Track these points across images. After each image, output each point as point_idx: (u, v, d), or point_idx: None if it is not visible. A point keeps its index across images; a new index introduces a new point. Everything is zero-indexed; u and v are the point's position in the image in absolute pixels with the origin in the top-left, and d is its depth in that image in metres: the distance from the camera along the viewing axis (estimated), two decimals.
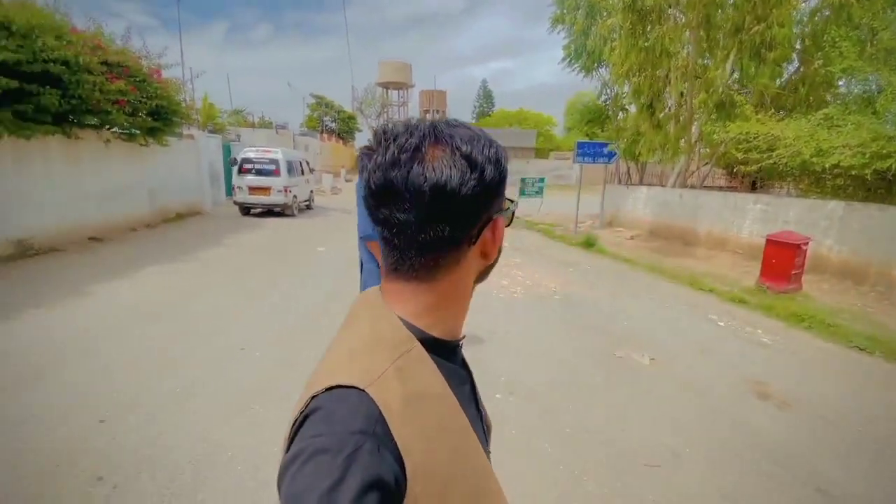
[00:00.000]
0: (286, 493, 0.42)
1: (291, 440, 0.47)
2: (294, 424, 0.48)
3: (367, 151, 0.55)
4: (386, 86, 46.83)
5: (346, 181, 20.77)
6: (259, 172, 10.57)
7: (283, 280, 5.47)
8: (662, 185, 10.81)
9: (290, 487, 0.42)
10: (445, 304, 0.59)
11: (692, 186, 9.94)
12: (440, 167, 0.51)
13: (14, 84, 4.88)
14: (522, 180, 13.59)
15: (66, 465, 2.18)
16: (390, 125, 0.56)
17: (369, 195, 0.55)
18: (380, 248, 2.33)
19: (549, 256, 7.52)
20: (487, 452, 0.64)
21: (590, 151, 10.27)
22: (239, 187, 10.60)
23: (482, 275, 0.63)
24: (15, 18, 4.87)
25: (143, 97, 7.25)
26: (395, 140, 0.53)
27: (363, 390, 0.48)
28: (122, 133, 7.69)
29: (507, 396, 2.95)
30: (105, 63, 6.50)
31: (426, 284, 0.57)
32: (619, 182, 12.50)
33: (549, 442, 2.50)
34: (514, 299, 5.09)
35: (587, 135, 18.59)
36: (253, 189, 10.53)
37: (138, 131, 7.87)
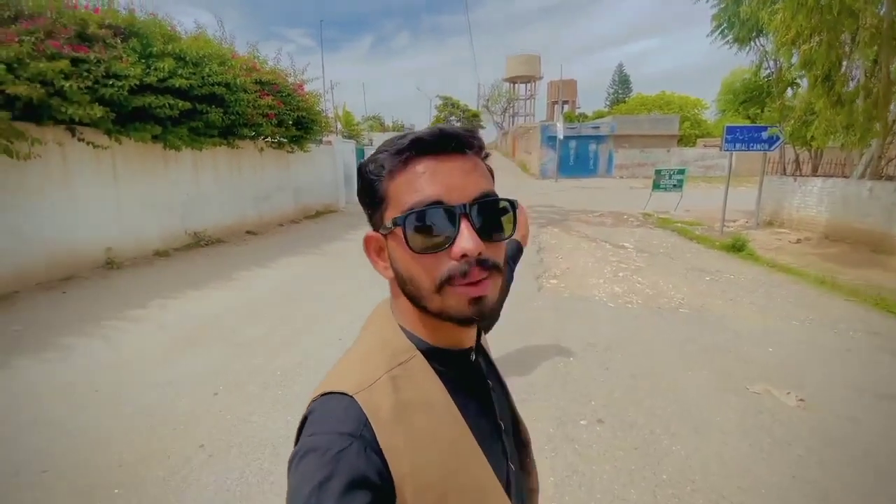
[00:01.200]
0: (289, 486, 0.47)
1: (297, 439, 0.51)
2: (299, 424, 0.53)
3: None
4: (513, 80, 46.44)
5: None
6: None
7: None
8: (845, 177, 8.64)
9: (291, 480, 0.47)
10: (407, 315, 0.58)
11: (889, 178, 7.74)
12: None
13: (188, 105, 5.94)
14: (657, 172, 12.14)
15: (182, 431, 2.53)
16: None
17: None
18: None
19: (682, 261, 6.55)
20: (510, 468, 0.62)
21: (743, 137, 8.69)
22: None
23: (417, 303, 0.56)
24: (188, 51, 5.91)
25: (288, 110, 8.26)
26: None
27: (352, 396, 0.50)
28: (272, 142, 8.89)
29: (594, 424, 2.59)
30: (258, 82, 7.56)
31: None
32: (784, 173, 10.36)
33: (637, 491, 2.10)
34: (628, 309, 4.52)
35: (748, 117, 15.82)
36: None
37: (285, 140, 9.02)
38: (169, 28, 6.15)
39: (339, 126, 17.59)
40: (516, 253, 1.11)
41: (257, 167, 8.69)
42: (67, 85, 4.58)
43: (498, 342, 3.63)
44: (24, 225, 4.79)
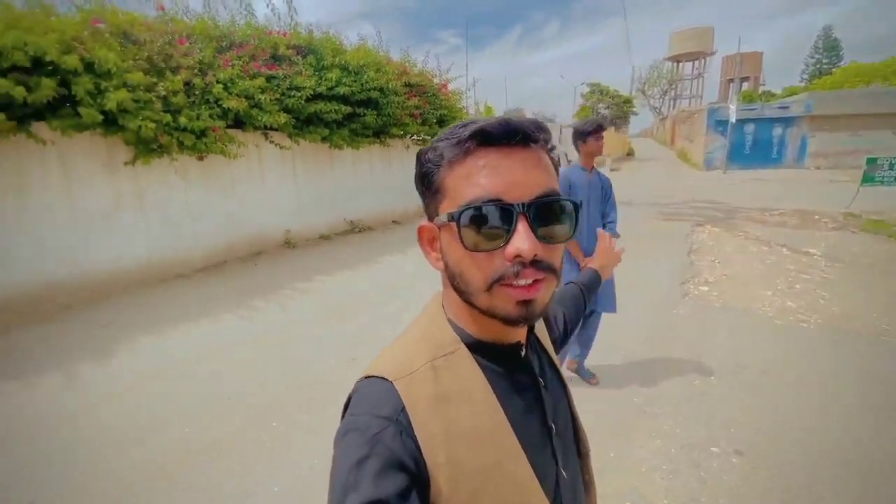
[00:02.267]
0: (333, 459, 0.50)
1: (343, 416, 0.54)
2: (345, 403, 0.56)
3: None
4: (677, 59, 41.39)
5: (612, 170, 19.64)
6: None
7: None
8: None
9: (334, 458, 0.50)
10: (455, 307, 0.58)
11: None
12: None
13: (349, 109, 6.78)
14: (870, 161, 9.58)
15: (332, 379, 2.98)
16: None
17: None
18: (577, 245, 2.21)
19: (892, 275, 5.16)
20: (561, 474, 0.61)
21: None
22: None
23: (461, 294, 0.56)
24: (351, 61, 6.73)
25: (432, 109, 8.79)
26: None
27: (391, 382, 0.52)
28: (417, 139, 9.60)
29: (730, 455, 2.25)
30: (407, 84, 8.21)
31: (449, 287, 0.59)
32: None
33: None
34: (800, 330, 3.76)
35: None
36: None
37: (428, 137, 9.63)
38: (337, 42, 7.06)
39: None
40: (593, 283, 1.03)
41: (405, 163, 9.47)
42: (263, 98, 5.64)
43: (623, 345, 3.39)
44: (235, 210, 6.10)
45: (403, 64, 8.37)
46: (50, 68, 3.89)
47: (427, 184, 0.54)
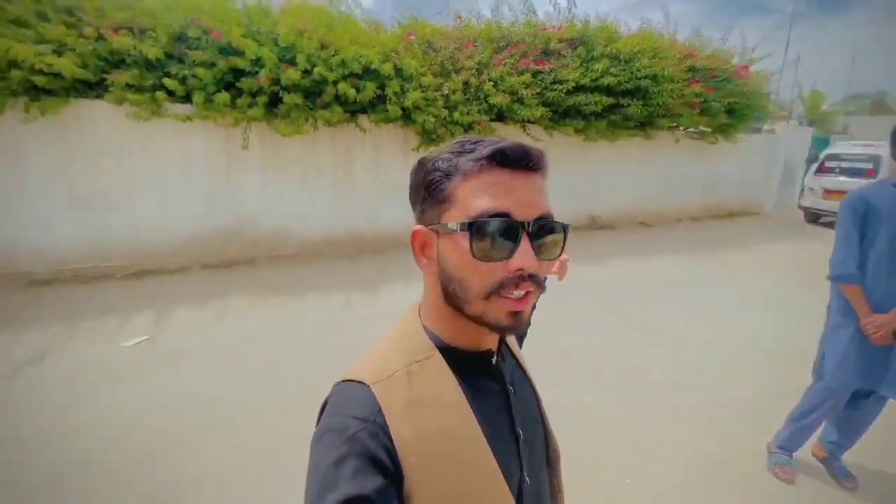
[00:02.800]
0: (308, 464, 0.52)
1: (318, 420, 0.57)
2: (320, 407, 0.59)
3: None
4: None
5: None
6: (846, 172, 8.38)
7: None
8: None
9: (310, 460, 0.52)
10: (430, 310, 0.62)
11: None
12: None
13: (609, 101, 6.47)
14: None
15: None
16: None
17: None
18: (861, 295, 1.92)
19: None
20: (525, 480, 0.63)
21: None
22: (811, 189, 8.90)
23: (450, 300, 0.58)
24: (623, 49, 6.34)
25: (719, 96, 7.44)
26: None
27: (368, 386, 0.55)
28: (692, 132, 8.34)
29: None
30: (691, 69, 7.17)
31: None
32: None
33: None
34: None
35: None
36: (829, 192, 8.54)
37: (708, 130, 8.24)
38: (613, 30, 6.74)
39: (802, 109, 14.09)
40: None
41: (668, 158, 8.44)
42: (526, 93, 6.00)
43: None
44: None
45: (691, 47, 7.33)
46: (373, 74, 5.19)
47: (432, 191, 0.56)
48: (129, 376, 3.05)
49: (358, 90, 5.09)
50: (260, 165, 5.38)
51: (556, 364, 3.33)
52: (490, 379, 0.63)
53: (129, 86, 4.41)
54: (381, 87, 5.27)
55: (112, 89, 4.37)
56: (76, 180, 4.64)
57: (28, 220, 4.51)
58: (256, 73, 4.72)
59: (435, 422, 0.55)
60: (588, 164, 7.65)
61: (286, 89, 4.85)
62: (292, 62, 4.88)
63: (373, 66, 5.09)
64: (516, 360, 0.73)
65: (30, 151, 4.38)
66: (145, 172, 4.91)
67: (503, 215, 0.52)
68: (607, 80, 6.30)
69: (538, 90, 6.16)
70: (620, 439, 2.54)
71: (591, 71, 6.32)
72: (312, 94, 5.08)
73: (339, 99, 5.16)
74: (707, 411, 2.79)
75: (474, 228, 0.52)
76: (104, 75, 4.33)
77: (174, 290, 4.57)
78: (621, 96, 6.64)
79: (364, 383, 0.55)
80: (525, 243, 0.53)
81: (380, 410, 0.53)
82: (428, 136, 5.81)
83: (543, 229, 0.55)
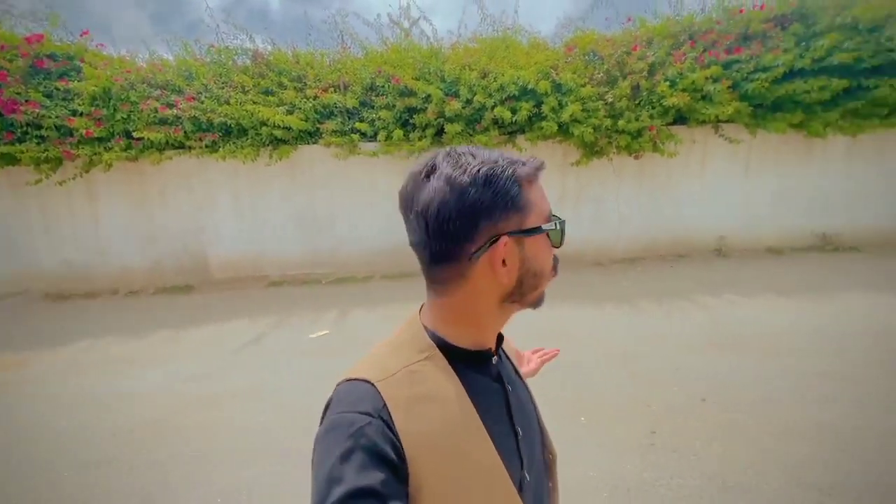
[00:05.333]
0: (314, 459, 0.54)
1: (322, 418, 0.59)
2: (324, 407, 0.60)
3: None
4: None
5: None
6: None
7: None
8: None
9: (316, 454, 0.53)
10: (462, 317, 0.63)
11: None
12: (428, 191, 0.57)
13: (844, 84, 4.96)
14: None
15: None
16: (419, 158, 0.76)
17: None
18: None
19: None
20: (524, 477, 0.64)
21: None
22: None
23: (513, 297, 0.63)
24: (862, 16, 4.79)
25: None
26: (411, 171, 0.62)
27: (373, 384, 0.57)
28: None
29: None
30: None
31: (443, 298, 0.63)
32: None
33: None
34: None
35: None
36: None
37: None
38: None
39: None
40: None
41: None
42: (713, 88, 5.12)
43: None
44: (663, 209, 6.05)
45: None
46: (530, 93, 5.23)
47: (513, 200, 0.58)
48: (311, 357, 3.78)
49: (514, 112, 5.20)
50: None
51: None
52: (489, 378, 0.66)
53: (334, 132, 5.53)
54: (538, 105, 5.26)
55: (324, 135, 5.56)
56: (300, 206, 6.02)
57: (268, 236, 6.06)
58: (426, 109, 5.32)
59: (438, 417, 0.56)
60: (814, 167, 5.97)
61: (449, 120, 5.32)
62: (456, 95, 5.33)
63: (529, 87, 5.15)
64: (511, 363, 0.75)
65: (271, 186, 5.92)
66: (344, 199, 6.03)
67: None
68: (839, 58, 4.86)
69: (731, 83, 5.17)
70: None
71: (813, 50, 4.98)
72: (473, 121, 5.42)
73: (496, 123, 5.38)
74: None
75: (560, 224, 0.63)
76: (318, 125, 5.55)
77: (357, 295, 5.43)
78: (864, 76, 5.02)
79: (368, 381, 0.57)
80: None
81: (384, 406, 0.54)
82: (590, 149, 5.50)
83: None
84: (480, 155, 0.59)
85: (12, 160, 5.27)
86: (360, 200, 6.04)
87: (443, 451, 0.55)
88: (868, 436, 2.39)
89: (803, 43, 5.09)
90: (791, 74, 5.11)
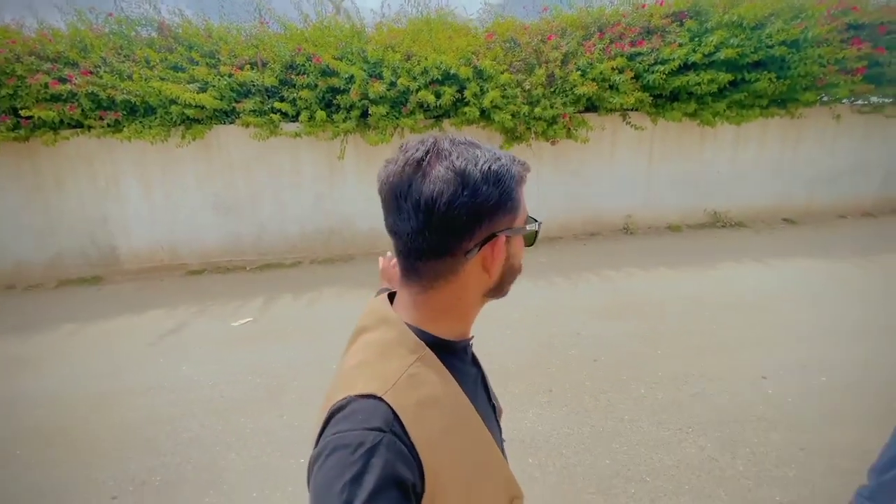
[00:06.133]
0: (313, 486, 0.47)
1: (317, 441, 0.53)
2: (320, 427, 0.54)
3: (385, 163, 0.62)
4: None
5: None
6: None
7: None
8: None
9: (316, 480, 0.47)
10: (449, 312, 0.63)
11: None
12: (435, 181, 0.54)
13: (728, 77, 5.55)
14: None
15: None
16: (408, 140, 0.61)
17: (382, 204, 0.61)
18: None
19: None
20: (503, 441, 0.72)
21: None
22: None
23: (493, 291, 0.65)
24: (747, 15, 5.38)
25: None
26: (404, 153, 0.58)
27: (380, 397, 0.53)
28: (861, 106, 6.64)
29: None
30: (852, 26, 5.76)
31: (429, 292, 0.61)
32: None
33: None
34: None
35: None
36: None
37: (888, 100, 6.48)
38: None
39: None
40: None
41: (825, 140, 6.85)
42: (619, 79, 5.53)
43: None
44: (577, 191, 6.49)
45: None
46: (453, 78, 5.35)
47: (512, 199, 0.60)
48: (232, 347, 3.73)
49: (438, 96, 5.31)
50: (356, 172, 5.97)
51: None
52: (468, 363, 0.69)
53: (252, 111, 5.33)
54: (462, 90, 5.40)
55: (241, 115, 5.34)
56: (217, 190, 5.78)
57: (185, 223, 5.78)
58: (349, 90, 5.28)
59: (444, 417, 0.56)
60: (706, 152, 6.67)
61: (374, 102, 5.32)
62: (380, 76, 5.33)
63: (452, 71, 5.26)
64: None
65: (185, 169, 5.61)
66: (266, 183, 5.86)
67: None
68: (725, 54, 5.43)
69: (635, 74, 5.61)
70: None
71: (704, 45, 5.52)
72: (398, 103, 5.46)
73: (422, 106, 5.46)
74: None
75: (539, 225, 0.67)
76: (234, 104, 5.32)
77: (284, 281, 5.37)
78: (747, 70, 5.66)
79: (373, 395, 0.53)
80: None
81: (396, 417, 0.51)
82: (511, 134, 5.76)
83: None
84: (483, 148, 0.59)
85: None
86: (284, 183, 5.91)
87: (453, 451, 0.55)
88: (709, 379, 2.85)
89: (696, 38, 5.62)
90: (686, 67, 5.63)
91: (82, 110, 4.89)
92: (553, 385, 2.90)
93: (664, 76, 5.54)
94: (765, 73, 5.62)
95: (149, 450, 2.52)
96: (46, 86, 4.71)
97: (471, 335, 0.69)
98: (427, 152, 0.56)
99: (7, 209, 5.36)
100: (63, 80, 4.79)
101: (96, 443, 2.60)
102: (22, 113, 4.71)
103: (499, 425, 0.71)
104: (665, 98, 5.89)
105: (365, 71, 5.28)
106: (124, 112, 5.04)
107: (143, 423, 2.77)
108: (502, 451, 0.68)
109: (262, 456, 2.44)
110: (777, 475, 2.06)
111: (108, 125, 5.01)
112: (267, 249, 6.01)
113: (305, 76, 5.31)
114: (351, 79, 5.26)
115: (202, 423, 2.74)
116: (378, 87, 5.20)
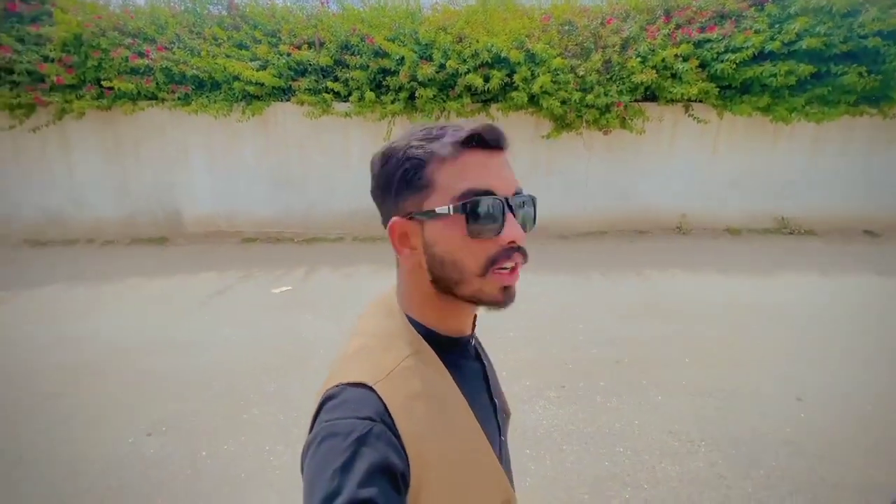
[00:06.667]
0: (306, 473, 0.48)
1: (311, 426, 0.53)
2: (313, 414, 0.54)
3: None
4: None
5: None
6: None
7: None
8: None
9: (309, 467, 0.48)
10: (410, 301, 0.62)
11: None
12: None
13: (810, 69, 5.01)
14: None
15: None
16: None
17: None
18: None
19: None
20: (502, 441, 0.69)
21: None
22: None
23: (437, 285, 0.59)
24: (837, 1, 4.80)
25: None
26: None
27: (370, 386, 0.53)
28: None
29: None
30: None
31: (397, 278, 0.65)
32: None
33: None
34: None
35: None
36: None
37: None
38: None
39: None
40: None
41: None
42: (682, 67, 5.16)
43: None
44: (629, 185, 6.19)
45: None
46: (504, 62, 5.24)
47: (410, 179, 0.56)
48: (269, 313, 3.99)
49: (487, 79, 5.23)
50: None
51: None
52: (469, 358, 0.67)
53: (307, 90, 5.54)
54: (512, 74, 5.29)
55: (296, 93, 5.56)
56: (272, 165, 6.10)
57: (242, 193, 6.16)
58: (399, 71, 5.33)
59: (436, 413, 0.56)
60: (777, 151, 6.10)
61: (422, 84, 5.34)
62: (430, 58, 5.33)
63: (503, 55, 5.16)
64: (477, 337, 0.76)
65: (245, 143, 5.96)
66: (317, 160, 6.10)
67: (489, 193, 0.55)
68: (808, 43, 4.90)
69: (701, 63, 5.21)
70: None
71: (784, 32, 5.01)
72: (446, 86, 5.45)
73: (469, 90, 5.41)
74: None
75: (468, 209, 0.54)
76: (291, 82, 5.55)
77: (326, 255, 5.61)
78: (833, 62, 5.08)
79: (365, 384, 0.54)
80: (511, 217, 0.56)
81: (385, 409, 0.52)
82: (560, 122, 5.58)
83: (522, 203, 0.59)
84: (410, 131, 0.59)
85: None
86: (333, 162, 6.11)
87: (441, 446, 0.55)
88: (738, 395, 2.67)
89: (777, 25, 5.11)
90: (762, 57, 5.15)
91: (157, 83, 5.32)
92: (567, 381, 2.85)
93: (734, 65, 5.10)
94: (854, 66, 5.02)
95: (182, 397, 2.79)
96: (127, 59, 5.16)
97: (466, 332, 0.65)
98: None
99: (91, 171, 5.98)
100: (141, 55, 5.23)
101: (139, 385, 2.92)
102: (104, 84, 5.20)
103: (498, 424, 0.67)
104: (734, 90, 5.43)
105: (416, 52, 5.31)
106: (193, 86, 5.42)
107: (181, 373, 3.05)
108: (501, 450, 0.66)
109: (278, 414, 2.62)
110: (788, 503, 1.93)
111: (179, 98, 5.42)
112: (314, 223, 6.28)
113: (358, 56, 5.43)
114: (401, 60, 5.31)
115: (232, 379, 2.98)
116: (427, 70, 5.20)
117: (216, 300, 4.31)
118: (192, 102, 5.42)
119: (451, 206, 0.54)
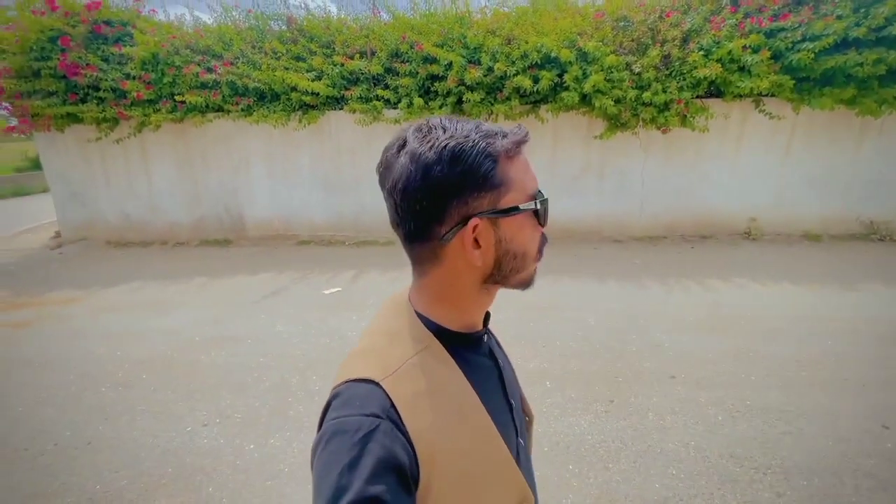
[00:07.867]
0: (315, 471, 0.49)
1: (320, 425, 0.53)
2: (322, 411, 0.55)
3: None
4: None
5: None
6: None
7: None
8: None
9: (317, 465, 0.49)
10: (443, 299, 0.61)
11: None
12: (398, 167, 0.54)
13: None
14: None
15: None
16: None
17: None
18: None
19: None
20: (519, 443, 0.67)
21: None
22: None
23: (493, 279, 0.60)
24: None
25: None
26: (386, 146, 0.59)
27: (377, 383, 0.53)
28: None
29: None
30: None
31: (423, 279, 0.61)
32: None
33: None
34: None
35: None
36: None
37: None
38: None
39: None
40: None
41: None
42: (752, 59, 4.77)
43: None
44: (690, 187, 5.81)
45: None
46: (554, 62, 5.11)
47: (485, 177, 0.54)
48: (320, 312, 4.13)
49: (536, 81, 5.13)
50: None
51: None
52: (483, 355, 0.66)
53: (358, 98, 5.70)
54: (562, 74, 5.14)
55: (349, 102, 5.75)
56: (327, 171, 6.33)
57: (298, 199, 6.45)
58: (447, 76, 5.35)
59: (445, 410, 0.55)
60: (864, 148, 5.48)
61: (469, 88, 5.33)
62: (478, 62, 5.31)
63: (553, 55, 5.03)
64: (492, 334, 0.74)
65: (301, 151, 6.24)
66: (368, 166, 6.23)
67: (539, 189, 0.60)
68: None
69: (773, 54, 4.80)
70: None
71: (872, 17, 4.50)
72: (494, 89, 5.40)
73: (518, 92, 5.32)
74: None
75: (543, 204, 0.59)
76: (344, 91, 5.74)
77: (375, 258, 5.74)
78: None
79: (371, 380, 0.54)
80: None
81: (392, 405, 0.52)
82: (614, 121, 5.35)
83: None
84: (452, 127, 0.54)
85: (76, 119, 5.91)
86: None
87: (451, 444, 0.54)
88: (812, 419, 2.38)
89: (862, 10, 4.60)
90: (844, 45, 4.66)
91: (223, 96, 5.70)
92: (616, 396, 2.70)
93: (813, 55, 4.64)
94: None
95: (236, 390, 2.93)
96: (197, 75, 5.57)
97: (479, 327, 0.65)
98: (398, 140, 0.57)
99: (166, 179, 6.51)
100: (209, 70, 5.62)
101: (197, 377, 3.11)
102: (177, 98, 5.64)
103: (515, 424, 0.66)
104: (812, 82, 4.95)
105: (464, 57, 5.31)
106: (255, 98, 5.75)
107: (236, 367, 3.22)
108: (518, 450, 0.65)
109: (321, 412, 2.69)
110: None
111: (242, 110, 5.77)
112: (365, 228, 6.45)
113: (408, 64, 5.51)
114: (450, 65, 5.33)
115: (282, 375, 3.10)
116: (474, 73, 5.19)
117: (271, 299, 4.52)
118: (254, 113, 5.75)
119: (536, 203, 0.58)
